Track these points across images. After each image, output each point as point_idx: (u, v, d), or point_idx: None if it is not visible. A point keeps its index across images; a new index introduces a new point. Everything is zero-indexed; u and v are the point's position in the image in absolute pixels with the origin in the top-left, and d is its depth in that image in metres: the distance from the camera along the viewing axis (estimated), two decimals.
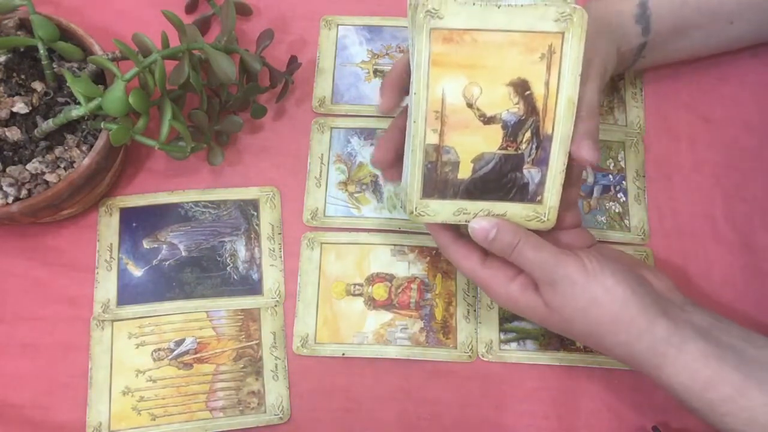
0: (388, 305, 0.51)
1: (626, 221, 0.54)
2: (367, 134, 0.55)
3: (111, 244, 0.52)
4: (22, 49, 0.49)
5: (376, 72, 0.57)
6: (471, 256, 0.43)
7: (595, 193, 0.54)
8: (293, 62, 0.54)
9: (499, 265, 0.43)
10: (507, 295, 0.43)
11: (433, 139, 0.41)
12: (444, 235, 0.44)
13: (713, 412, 0.39)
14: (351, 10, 0.58)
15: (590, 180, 0.54)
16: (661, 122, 0.56)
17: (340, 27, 0.58)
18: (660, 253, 0.53)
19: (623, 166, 0.55)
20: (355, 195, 0.54)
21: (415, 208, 0.43)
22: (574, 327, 0.41)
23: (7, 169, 0.45)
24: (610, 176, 0.55)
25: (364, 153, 0.54)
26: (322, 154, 0.54)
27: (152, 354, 0.49)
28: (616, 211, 0.54)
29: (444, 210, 0.43)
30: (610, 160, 0.55)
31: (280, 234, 0.53)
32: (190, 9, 0.57)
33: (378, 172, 0.54)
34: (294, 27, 0.58)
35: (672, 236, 0.53)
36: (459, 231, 0.44)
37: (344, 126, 0.55)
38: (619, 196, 0.54)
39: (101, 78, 0.48)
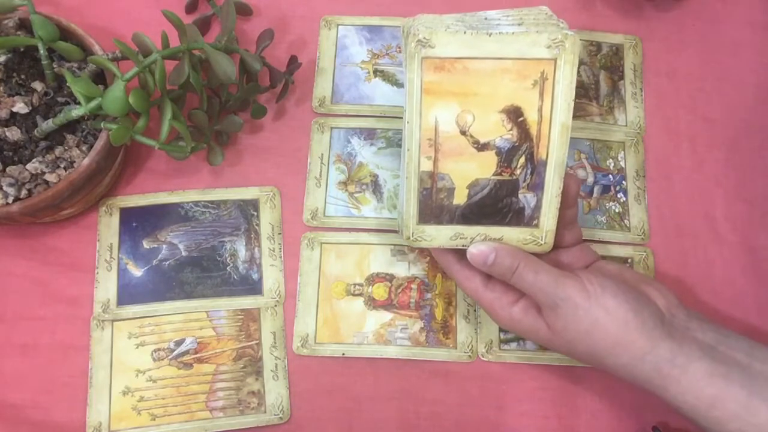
0: (388, 305, 0.51)
1: (626, 221, 0.54)
2: (367, 134, 0.55)
3: (111, 244, 0.52)
4: (22, 49, 0.49)
5: (376, 72, 0.57)
6: (473, 279, 0.44)
7: (595, 193, 0.54)
8: (293, 62, 0.54)
9: (501, 287, 0.43)
10: (509, 317, 0.43)
11: (427, 166, 0.41)
12: (446, 257, 0.45)
13: (722, 430, 0.38)
14: (351, 10, 0.58)
15: (590, 180, 0.54)
16: (661, 122, 0.56)
17: (340, 27, 0.58)
18: (660, 253, 0.53)
19: (623, 166, 0.55)
20: (355, 195, 0.54)
21: (412, 233, 0.43)
22: (577, 349, 0.41)
23: (7, 169, 0.45)
24: (610, 176, 0.55)
25: (364, 153, 0.54)
26: (322, 154, 0.54)
27: (152, 354, 0.49)
28: (616, 211, 0.54)
29: (441, 235, 0.43)
30: (610, 160, 0.55)
31: (280, 234, 0.53)
32: (190, 9, 0.57)
33: (378, 172, 0.54)
34: (294, 27, 0.58)
35: (672, 236, 0.53)
36: (461, 253, 0.44)
37: (344, 126, 0.55)
38: (619, 196, 0.54)
39: (101, 78, 0.48)
